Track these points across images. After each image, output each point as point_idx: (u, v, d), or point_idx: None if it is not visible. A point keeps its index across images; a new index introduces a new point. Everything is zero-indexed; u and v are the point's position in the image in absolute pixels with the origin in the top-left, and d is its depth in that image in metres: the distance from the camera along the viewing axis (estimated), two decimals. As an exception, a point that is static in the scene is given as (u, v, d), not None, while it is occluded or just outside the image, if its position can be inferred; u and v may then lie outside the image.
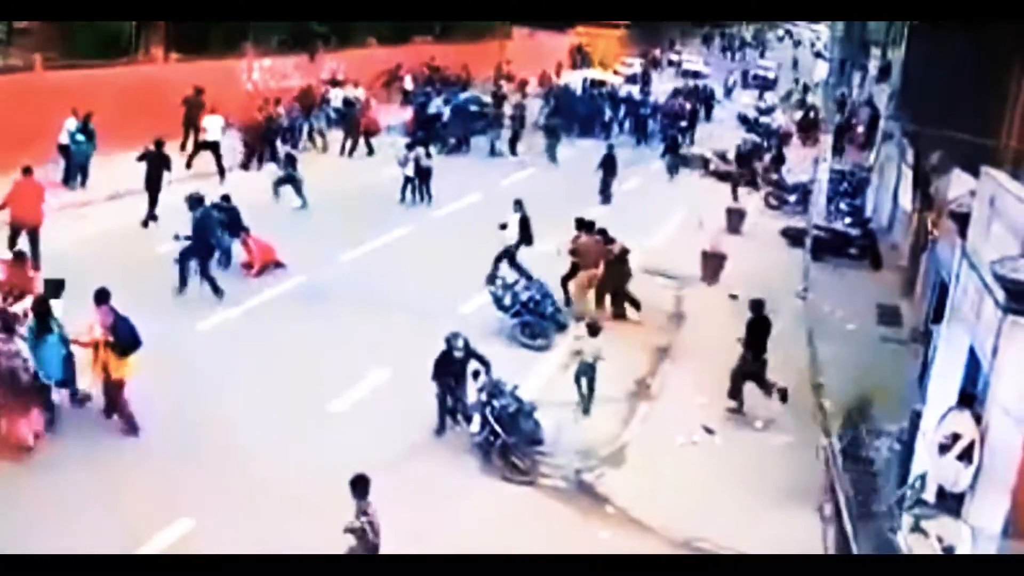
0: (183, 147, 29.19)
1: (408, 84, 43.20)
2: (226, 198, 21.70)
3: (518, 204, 22.75)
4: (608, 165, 32.56)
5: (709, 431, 16.85)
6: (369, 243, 24.05)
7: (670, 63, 78.82)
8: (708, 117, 53.07)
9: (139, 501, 12.50)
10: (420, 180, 28.78)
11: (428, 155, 29.56)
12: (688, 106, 48.76)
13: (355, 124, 34.55)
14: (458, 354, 15.41)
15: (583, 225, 22.15)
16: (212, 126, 28.56)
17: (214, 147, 28.29)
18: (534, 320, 19.70)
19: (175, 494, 12.77)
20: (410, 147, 29.79)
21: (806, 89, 65.61)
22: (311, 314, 19.37)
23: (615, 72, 62.34)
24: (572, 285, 21.62)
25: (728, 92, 66.57)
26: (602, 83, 52.34)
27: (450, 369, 15.44)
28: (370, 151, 34.20)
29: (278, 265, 21.53)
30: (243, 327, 18.48)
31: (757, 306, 18.05)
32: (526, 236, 22.52)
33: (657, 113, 47.55)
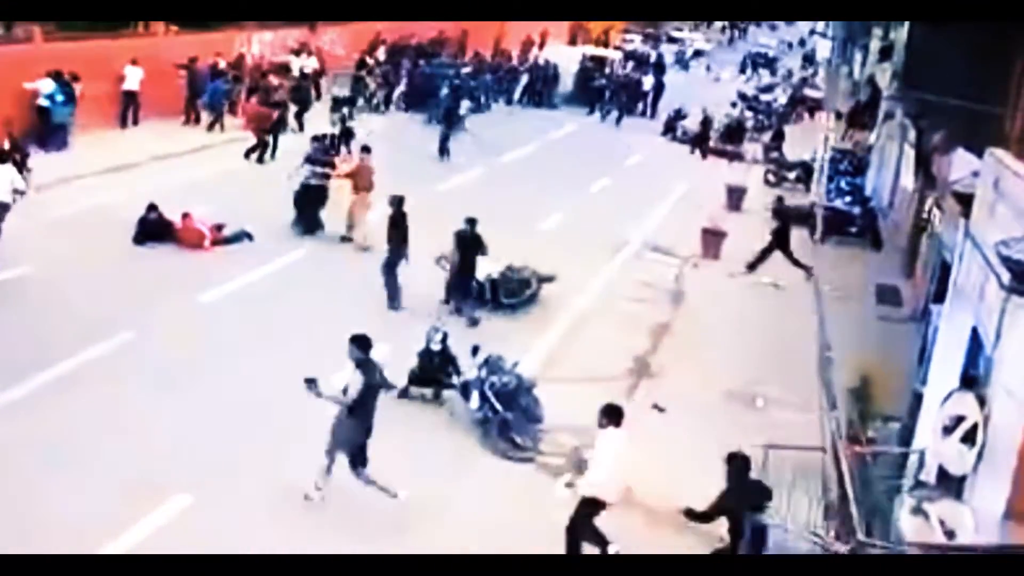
0: (186, 111, 30.75)
1: (380, 55, 42.86)
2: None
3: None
4: (447, 119, 32.90)
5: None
6: (369, 215, 23.86)
7: (671, 40, 78.30)
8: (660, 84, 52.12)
9: (136, 476, 12.45)
10: (344, 139, 29.37)
11: (351, 116, 30.89)
12: (643, 77, 48.73)
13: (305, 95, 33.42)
14: (435, 347, 15.47)
15: (364, 148, 23.20)
16: (132, 76, 28.81)
17: (132, 97, 28.85)
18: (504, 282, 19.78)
19: (173, 469, 12.72)
20: (334, 108, 31.64)
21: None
22: (311, 288, 19.32)
23: (615, 48, 61.98)
24: (354, 207, 22.24)
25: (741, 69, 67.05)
26: (601, 59, 52.03)
27: (431, 363, 15.50)
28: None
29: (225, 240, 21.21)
30: (244, 301, 18.41)
31: None
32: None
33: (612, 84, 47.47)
